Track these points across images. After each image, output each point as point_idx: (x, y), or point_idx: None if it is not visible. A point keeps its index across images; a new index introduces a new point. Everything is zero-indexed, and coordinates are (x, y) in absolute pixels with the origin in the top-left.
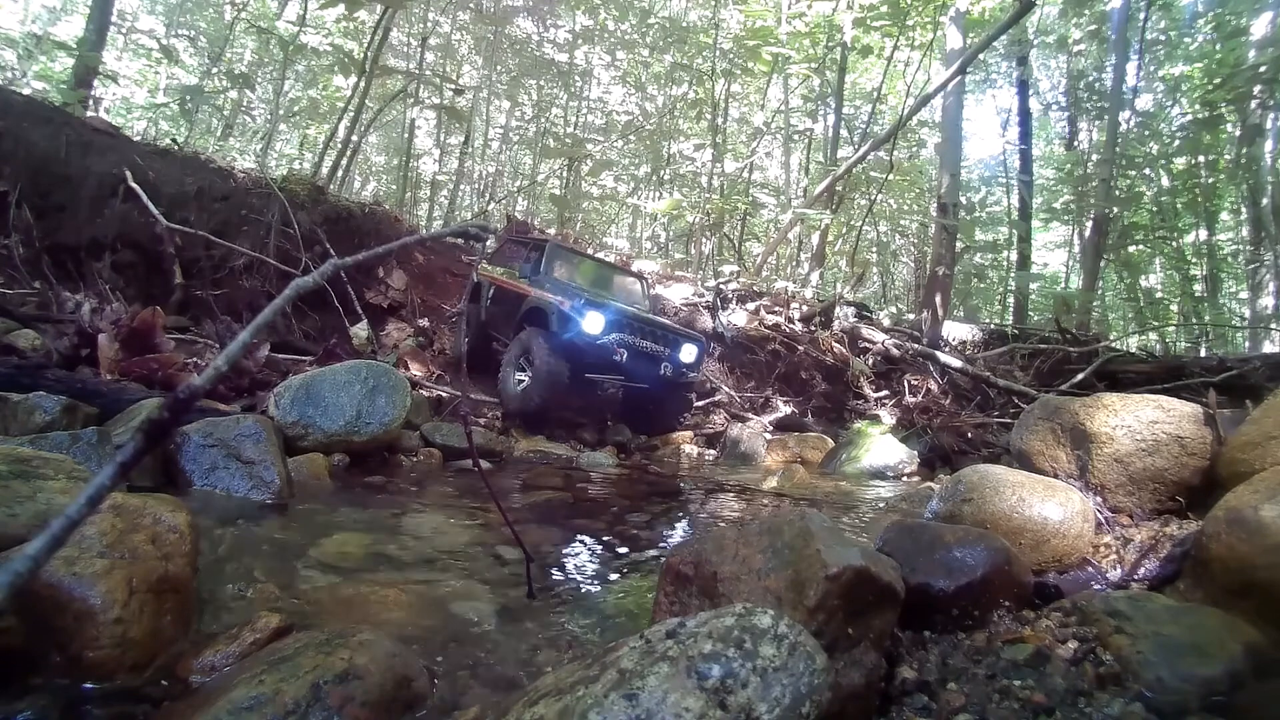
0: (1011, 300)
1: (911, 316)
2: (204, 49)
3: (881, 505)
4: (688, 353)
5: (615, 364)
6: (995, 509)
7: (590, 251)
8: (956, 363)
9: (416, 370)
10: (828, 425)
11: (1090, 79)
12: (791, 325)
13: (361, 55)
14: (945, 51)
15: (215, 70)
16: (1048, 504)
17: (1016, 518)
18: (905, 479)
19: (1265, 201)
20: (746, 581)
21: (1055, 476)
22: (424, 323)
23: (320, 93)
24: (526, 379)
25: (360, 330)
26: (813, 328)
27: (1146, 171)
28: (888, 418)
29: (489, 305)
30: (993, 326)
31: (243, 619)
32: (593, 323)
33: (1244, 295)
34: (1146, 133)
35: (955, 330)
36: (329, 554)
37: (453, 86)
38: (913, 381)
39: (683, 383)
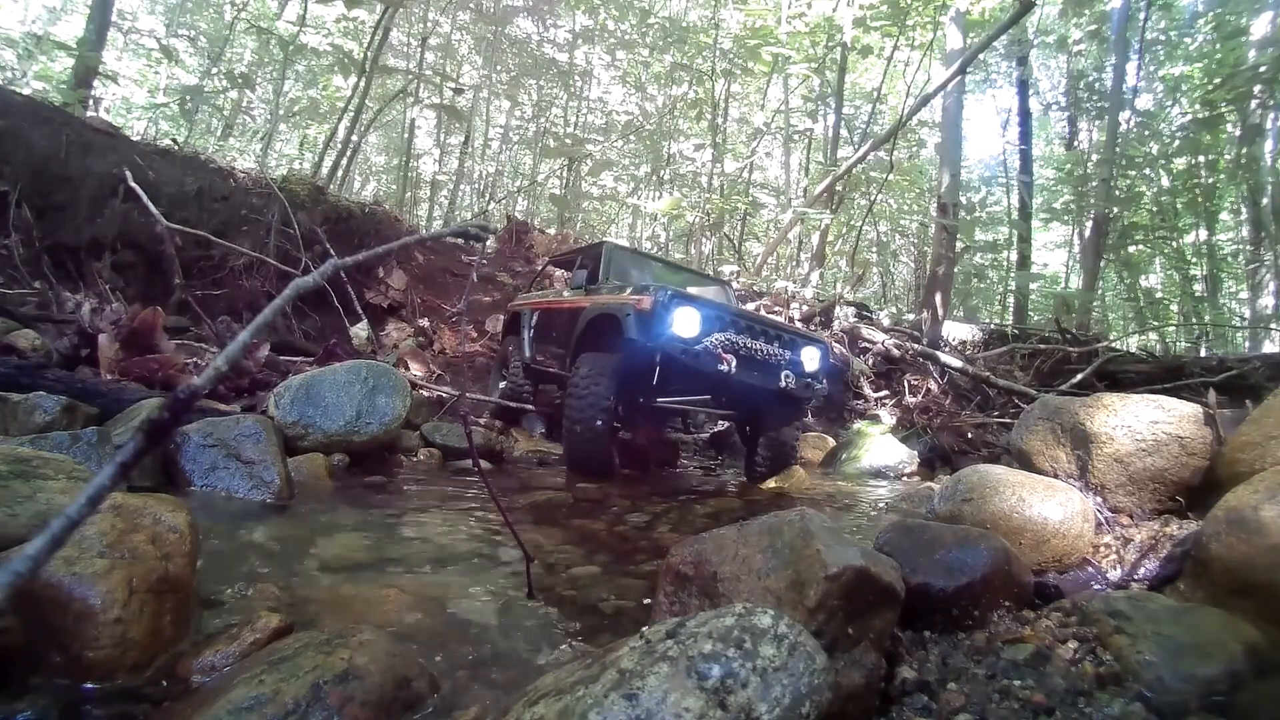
0: (1011, 300)
1: (911, 316)
2: (204, 49)
3: (881, 505)
4: (810, 357)
5: (719, 377)
6: (995, 509)
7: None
8: (956, 363)
9: (417, 370)
10: (828, 425)
11: (1090, 79)
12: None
13: (361, 55)
14: (945, 51)
15: (215, 70)
16: (1048, 504)
17: (1016, 518)
18: (905, 479)
19: (1265, 201)
20: (746, 581)
21: (1055, 476)
22: (424, 323)
23: (320, 93)
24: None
25: (360, 330)
26: (813, 328)
27: (1146, 171)
28: (888, 418)
29: (533, 339)
30: (993, 326)
31: (243, 619)
32: (685, 321)
33: (1244, 295)
34: (1146, 133)
35: (955, 330)
36: (329, 554)
37: (453, 86)
38: (913, 381)
39: (806, 396)
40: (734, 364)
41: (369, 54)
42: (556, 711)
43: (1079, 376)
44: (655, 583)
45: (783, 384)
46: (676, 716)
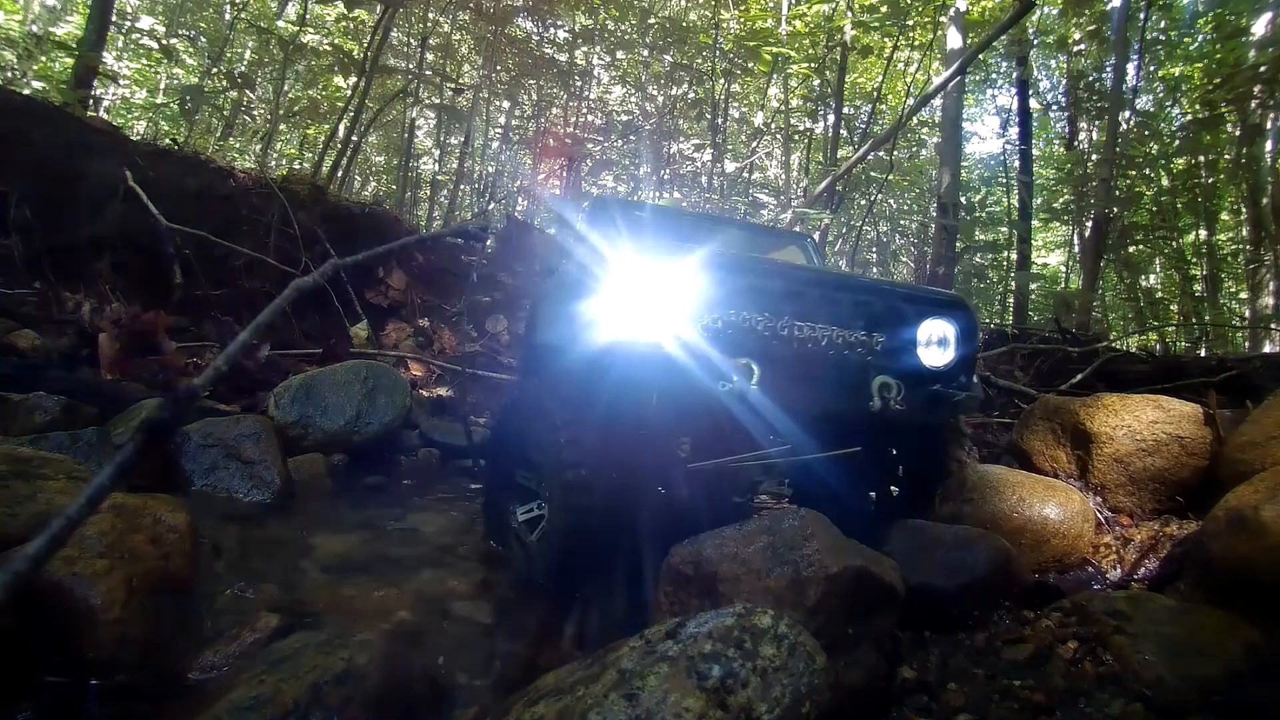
0: (1011, 300)
1: None
2: (204, 49)
3: None
4: (932, 338)
5: (720, 407)
6: (995, 509)
7: None
8: None
9: (416, 370)
10: None
11: (1090, 79)
12: None
13: (361, 55)
14: (945, 51)
15: (215, 70)
16: (1048, 504)
17: (1017, 518)
18: None
19: (1265, 201)
20: (746, 581)
21: (1055, 476)
22: (424, 323)
23: (320, 93)
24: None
25: (360, 330)
26: None
27: (1146, 171)
28: None
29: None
30: (993, 326)
31: (243, 619)
32: (646, 309)
33: (1244, 295)
34: (1146, 133)
35: None
36: (329, 554)
37: (453, 86)
38: None
39: (931, 422)
40: (756, 375)
41: (369, 54)
42: (556, 711)
43: (1079, 376)
44: (655, 583)
45: (875, 403)
46: (676, 716)
